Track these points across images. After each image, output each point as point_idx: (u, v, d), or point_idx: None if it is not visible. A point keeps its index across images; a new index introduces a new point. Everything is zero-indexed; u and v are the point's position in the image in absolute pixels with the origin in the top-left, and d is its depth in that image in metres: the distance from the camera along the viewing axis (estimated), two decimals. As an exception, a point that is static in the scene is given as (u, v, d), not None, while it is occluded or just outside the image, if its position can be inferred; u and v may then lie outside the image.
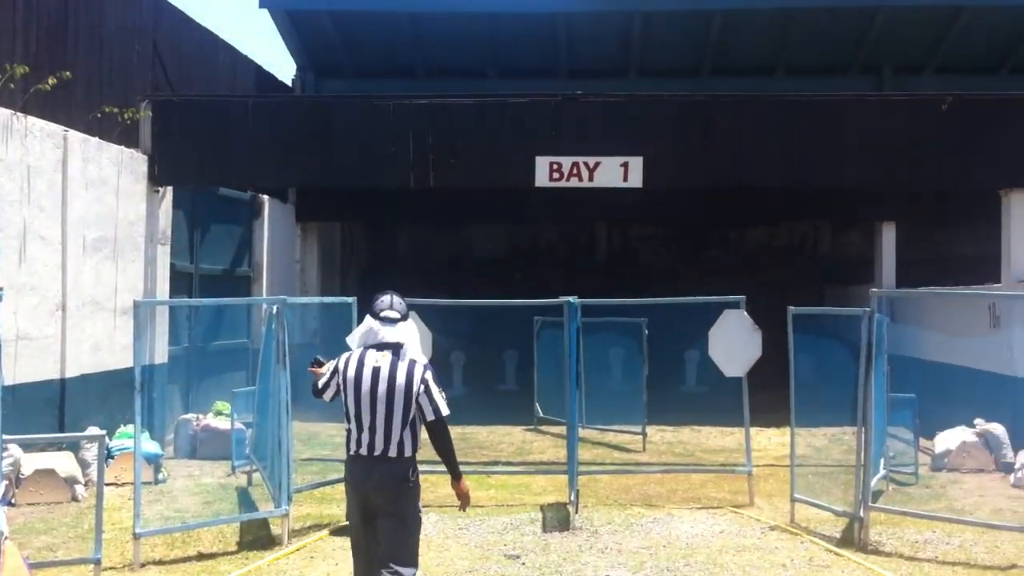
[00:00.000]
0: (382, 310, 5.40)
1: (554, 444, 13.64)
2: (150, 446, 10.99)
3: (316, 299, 9.09)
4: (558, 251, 23.70)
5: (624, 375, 15.82)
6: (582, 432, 13.03)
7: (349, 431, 5.30)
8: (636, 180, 12.88)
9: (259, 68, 17.78)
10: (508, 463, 12.39)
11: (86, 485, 10.15)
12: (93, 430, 11.21)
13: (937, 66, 18.63)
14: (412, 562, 5.24)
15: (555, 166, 12.94)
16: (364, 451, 5.21)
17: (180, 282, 14.01)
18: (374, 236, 22.57)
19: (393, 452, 5.18)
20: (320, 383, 5.52)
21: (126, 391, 12.47)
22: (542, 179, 12.98)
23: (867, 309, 7.89)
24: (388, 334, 5.34)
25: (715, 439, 14.42)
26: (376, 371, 5.22)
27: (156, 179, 13.10)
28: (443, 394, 5.33)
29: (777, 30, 18.03)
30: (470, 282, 17.16)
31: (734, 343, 9.73)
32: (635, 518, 9.14)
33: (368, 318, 5.45)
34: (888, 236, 17.17)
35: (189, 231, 14.57)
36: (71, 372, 11.10)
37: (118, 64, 13.00)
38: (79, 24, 12.13)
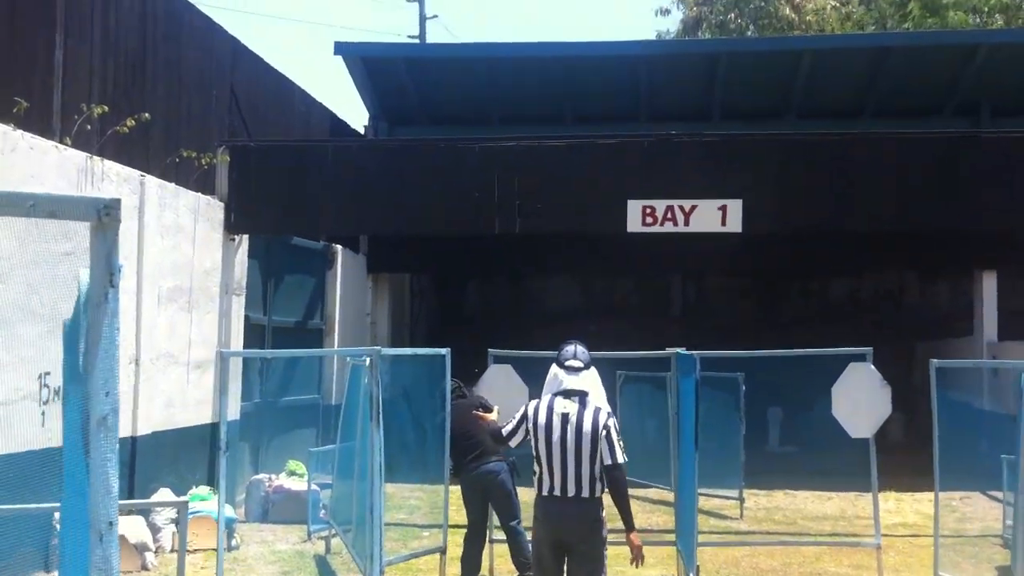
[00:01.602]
0: (567, 359, 5.81)
1: (643, 509, 12.77)
2: (224, 509, 10.32)
3: (410, 350, 8.42)
4: (632, 302, 22.92)
5: (718, 434, 14.92)
6: (667, 496, 12.20)
7: (540, 473, 5.67)
8: (735, 224, 12.14)
9: (333, 115, 17.39)
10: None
11: (156, 552, 9.50)
12: (165, 492, 10.63)
13: (1039, 106, 17.69)
14: None
15: (648, 210, 12.25)
16: (557, 492, 5.58)
17: (253, 334, 13.48)
18: (443, 288, 22.01)
19: (585, 493, 5.55)
20: (506, 430, 5.97)
21: (198, 449, 11.92)
22: (635, 224, 12.29)
23: (1029, 362, 7.03)
24: (573, 382, 5.71)
25: (813, 505, 13.49)
26: (565, 417, 5.59)
27: (232, 227, 12.63)
28: (622, 443, 5.63)
29: (867, 70, 17.25)
30: (543, 335, 16.46)
31: (861, 400, 8.87)
32: (759, 596, 8.28)
33: (554, 366, 5.85)
34: (989, 285, 16.19)
35: (263, 282, 14.08)
36: (143, 430, 10.54)
37: (196, 108, 12.60)
38: (157, 66, 11.75)
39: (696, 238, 12.83)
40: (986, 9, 23.47)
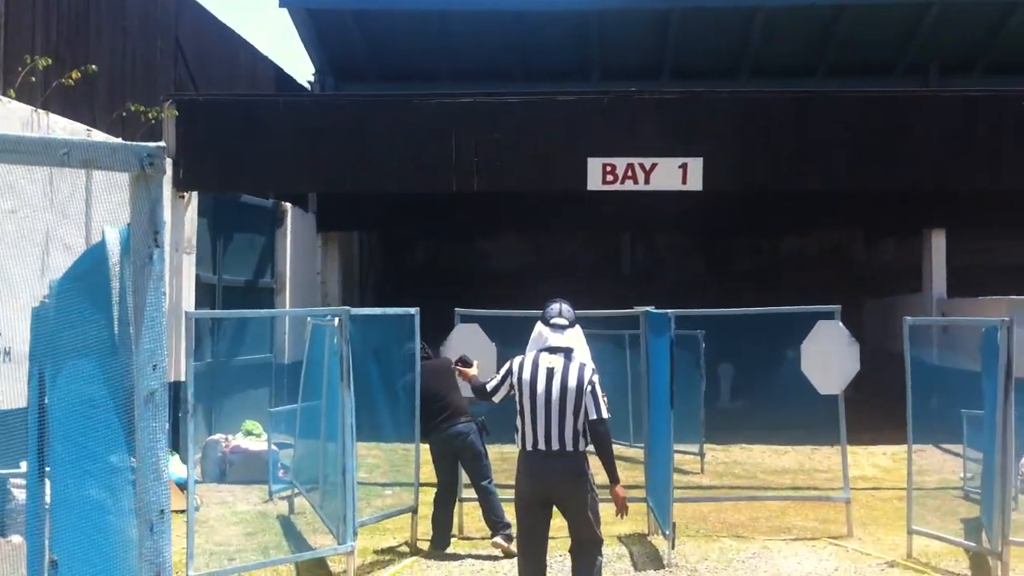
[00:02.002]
0: (552, 317, 5.85)
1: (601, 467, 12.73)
2: (181, 470, 10.08)
3: (379, 310, 8.23)
4: (582, 261, 22.84)
5: (678, 390, 14.94)
6: (629, 452, 12.21)
7: (523, 428, 5.68)
8: (696, 183, 12.07)
9: (279, 70, 16.93)
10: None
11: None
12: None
13: (986, 65, 17.84)
14: (599, 535, 5.81)
15: (608, 168, 12.12)
16: (542, 446, 5.60)
17: (204, 294, 13.16)
18: (392, 247, 21.74)
19: (569, 447, 5.59)
20: (490, 385, 6.01)
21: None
22: (595, 182, 12.16)
23: (1004, 319, 7.06)
24: (559, 339, 5.75)
25: (770, 459, 13.60)
26: (550, 372, 5.63)
27: (181, 184, 12.27)
28: (606, 398, 5.69)
29: (821, 28, 17.23)
30: (492, 293, 16.37)
31: (830, 357, 8.88)
32: (730, 552, 8.26)
33: (539, 324, 5.89)
34: (938, 243, 16.40)
35: (212, 240, 13.73)
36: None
37: (141, 60, 12.13)
38: (101, 18, 11.26)
39: (646, 196, 12.75)
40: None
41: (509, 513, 8.81)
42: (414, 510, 8.49)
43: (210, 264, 13.67)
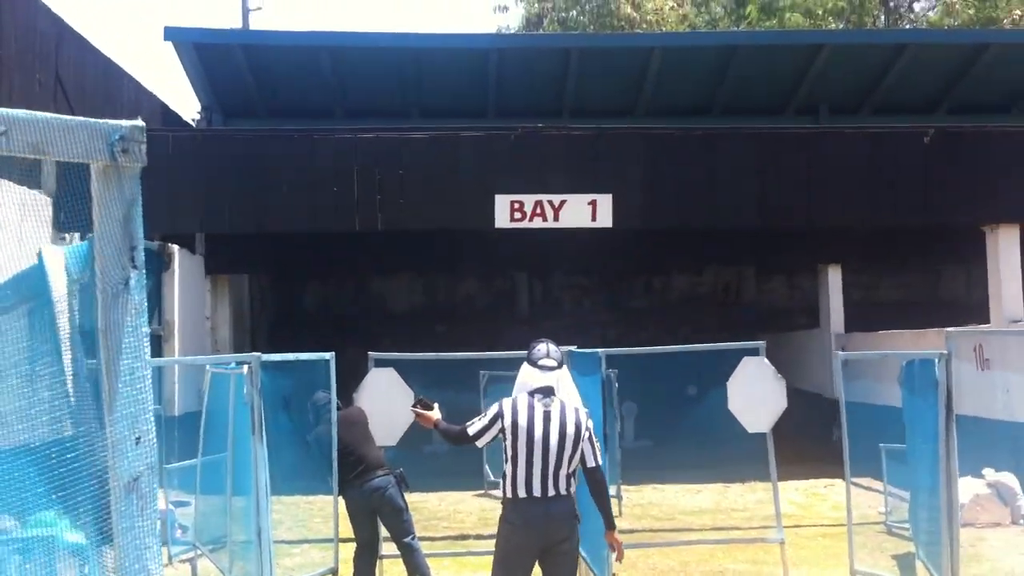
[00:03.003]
0: (540, 358, 5.61)
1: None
2: (73, 536, 9.23)
3: (291, 356, 7.66)
4: (477, 302, 22.49)
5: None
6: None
7: (514, 474, 5.39)
8: (606, 219, 11.86)
9: (165, 106, 16.22)
10: (480, 536, 11.01)
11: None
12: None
13: (874, 106, 18.26)
14: None
15: (516, 205, 11.82)
16: (537, 492, 5.36)
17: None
18: (283, 290, 20.99)
19: (563, 491, 5.39)
20: (473, 429, 5.59)
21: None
22: (503, 219, 11.84)
23: (942, 352, 6.93)
24: (548, 381, 5.53)
25: (684, 498, 13.38)
26: (547, 416, 5.39)
27: (62, 225, 11.42)
28: (598, 443, 5.58)
29: (715, 68, 17.38)
30: (388, 336, 15.88)
31: (756, 394, 8.66)
32: (667, 602, 7.93)
33: (526, 366, 5.62)
34: (834, 278, 16.58)
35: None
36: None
37: (18, 94, 11.33)
38: (-25, 45, 10.50)
39: (543, 234, 12.53)
40: (821, 12, 24.22)
41: (437, 568, 8.36)
42: (334, 572, 7.92)
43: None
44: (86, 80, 13.22)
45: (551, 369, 5.57)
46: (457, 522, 12.07)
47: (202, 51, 16.68)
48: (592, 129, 12.48)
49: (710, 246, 18.25)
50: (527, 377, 5.57)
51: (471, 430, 5.63)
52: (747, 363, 8.73)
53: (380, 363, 8.47)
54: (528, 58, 17.19)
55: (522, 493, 5.38)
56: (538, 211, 11.81)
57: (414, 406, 6.13)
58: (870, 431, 10.76)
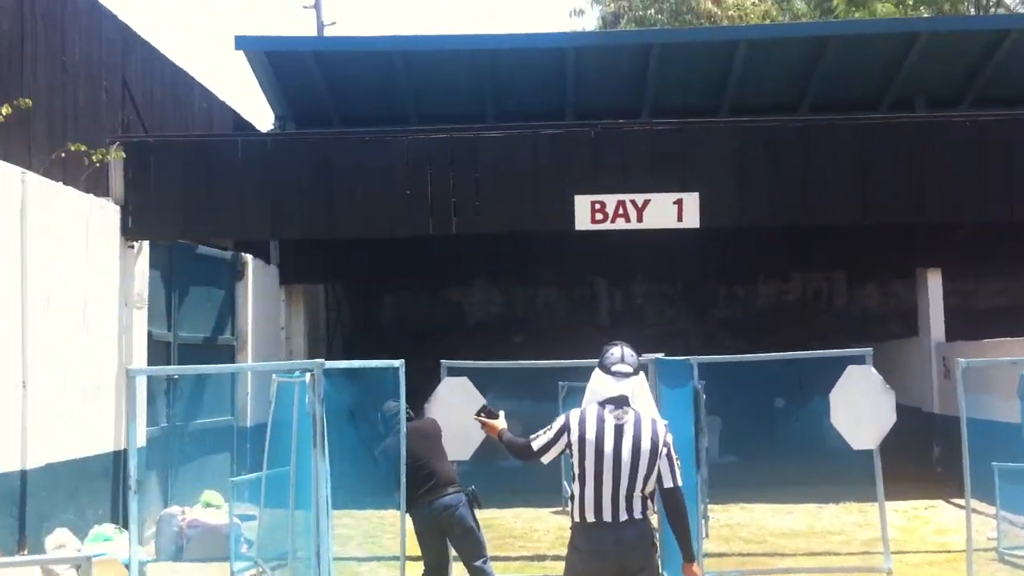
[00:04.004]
0: (614, 363, 5.02)
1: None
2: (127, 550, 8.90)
3: (359, 363, 7.19)
4: (557, 311, 21.90)
5: (681, 446, 13.91)
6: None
7: (583, 495, 4.88)
8: (692, 219, 11.19)
9: (237, 115, 15.98)
10: (557, 557, 10.41)
11: (55, 608, 8.07)
12: (62, 533, 9.21)
13: (973, 99, 17.22)
14: None
15: (597, 206, 11.21)
16: (608, 516, 4.83)
17: (157, 352, 12.06)
18: (359, 299, 20.68)
19: (638, 514, 4.88)
20: (537, 443, 5.08)
21: (99, 482, 10.47)
22: (583, 221, 11.24)
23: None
24: (622, 389, 4.96)
25: (775, 519, 12.62)
26: (619, 430, 4.87)
27: (130, 233, 11.21)
28: (679, 460, 5.01)
29: (805, 62, 16.54)
30: (465, 346, 15.35)
31: (862, 407, 7.93)
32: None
33: (598, 372, 5.05)
34: (934, 284, 15.62)
35: (167, 294, 12.67)
36: (33, 462, 9.06)
37: (84, 101, 11.09)
38: (38, 50, 10.23)
39: (621, 241, 11.90)
40: (910, 1, 23.18)
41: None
42: (401, 594, 7.41)
43: (164, 320, 12.60)
44: (154, 88, 12.98)
45: (626, 376, 5.00)
46: (533, 541, 11.50)
47: (274, 59, 16.41)
48: (676, 122, 11.78)
49: (800, 249, 17.42)
50: (598, 385, 5.03)
51: (536, 444, 5.11)
52: (852, 372, 8.01)
53: (453, 371, 7.95)
54: (607, 56, 16.55)
55: (590, 517, 4.86)
56: (620, 212, 11.19)
57: (478, 414, 5.65)
58: (981, 449, 9.92)
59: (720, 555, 10.35)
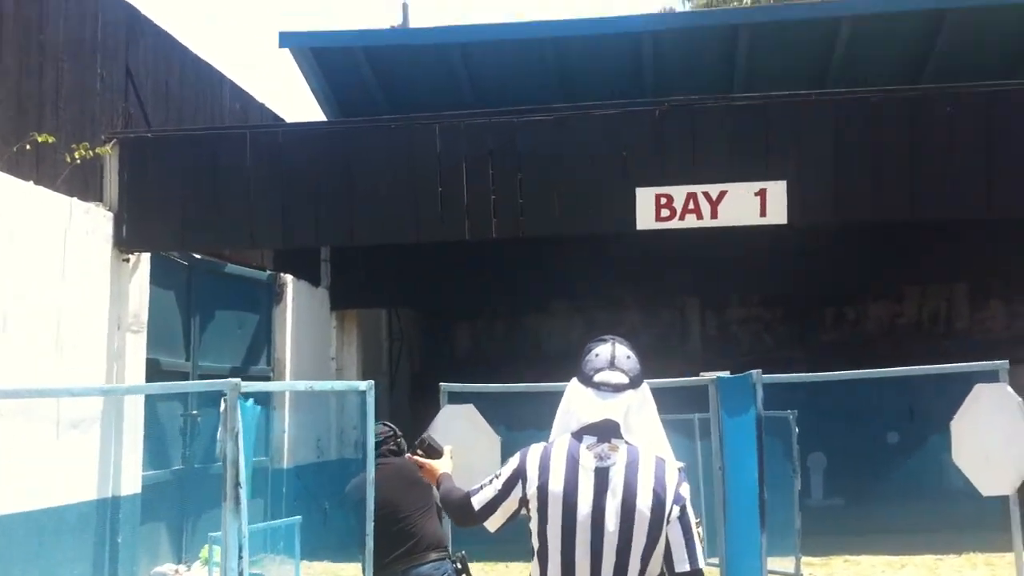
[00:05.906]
0: (599, 370, 3.10)
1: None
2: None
3: (303, 384, 5.23)
4: (642, 337, 19.87)
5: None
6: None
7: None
8: (779, 215, 9.17)
9: (278, 118, 14.53)
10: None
11: None
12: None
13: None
14: None
15: (663, 200, 9.29)
16: None
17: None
18: (429, 328, 19.04)
19: None
20: (478, 498, 3.19)
21: (77, 535, 8.94)
22: (646, 219, 9.32)
23: None
24: (611, 411, 3.02)
25: (886, 575, 10.53)
26: (603, 477, 2.95)
27: (125, 243, 9.74)
28: (701, 527, 3.01)
29: (918, 41, 14.32)
30: (541, 378, 13.54)
31: (993, 439, 5.82)
32: None
33: (576, 384, 3.15)
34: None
35: (185, 318, 11.23)
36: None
37: (70, 89, 9.68)
38: (2, 25, 8.85)
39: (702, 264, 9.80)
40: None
41: None
42: None
43: (180, 348, 11.15)
44: (170, 81, 11.56)
45: (617, 390, 3.06)
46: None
47: (320, 56, 14.98)
48: (758, 97, 9.74)
49: (914, 261, 15.16)
50: (575, 404, 3.10)
51: (475, 500, 3.22)
52: (980, 392, 5.91)
53: (454, 396, 6.14)
54: (688, 41, 14.59)
55: None
56: (691, 206, 9.26)
57: (416, 450, 3.80)
58: None
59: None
